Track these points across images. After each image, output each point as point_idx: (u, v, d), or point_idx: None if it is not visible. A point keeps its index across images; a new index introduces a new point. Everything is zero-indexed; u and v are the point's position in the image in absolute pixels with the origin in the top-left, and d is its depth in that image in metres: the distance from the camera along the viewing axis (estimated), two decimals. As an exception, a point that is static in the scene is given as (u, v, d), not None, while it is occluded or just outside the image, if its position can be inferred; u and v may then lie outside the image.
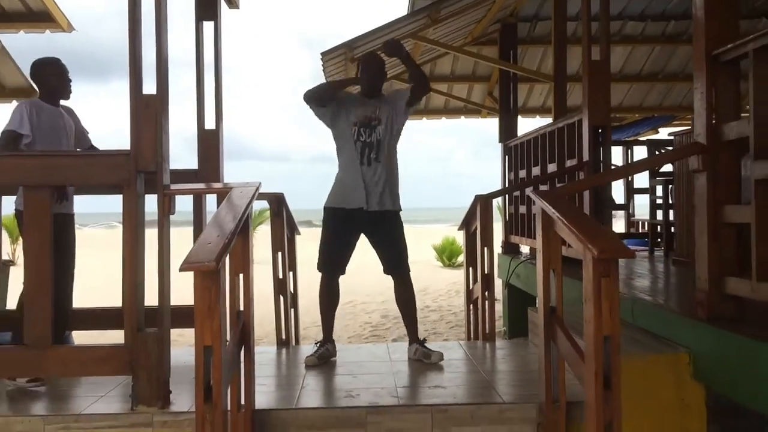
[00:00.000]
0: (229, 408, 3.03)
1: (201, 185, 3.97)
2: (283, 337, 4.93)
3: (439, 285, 11.65)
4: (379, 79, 4.37)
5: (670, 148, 7.89)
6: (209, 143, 4.68)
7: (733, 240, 3.21)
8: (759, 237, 2.94)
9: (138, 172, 3.34)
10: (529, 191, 3.42)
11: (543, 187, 6.17)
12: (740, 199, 3.22)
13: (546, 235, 3.24)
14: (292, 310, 5.43)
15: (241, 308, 3.18)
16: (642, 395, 3.33)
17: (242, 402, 3.14)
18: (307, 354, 4.31)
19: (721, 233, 3.22)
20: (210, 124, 4.75)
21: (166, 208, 3.38)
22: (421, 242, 17.33)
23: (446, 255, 15.10)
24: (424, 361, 4.14)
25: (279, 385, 3.86)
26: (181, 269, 2.43)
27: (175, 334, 5.84)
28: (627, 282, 4.96)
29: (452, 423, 3.33)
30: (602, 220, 4.93)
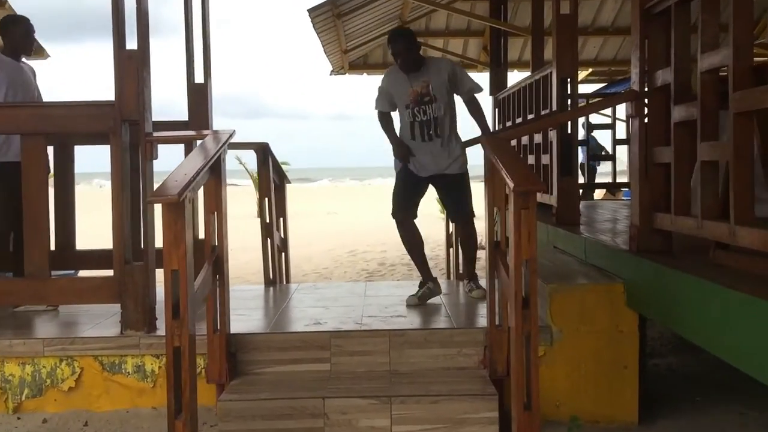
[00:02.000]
0: (205, 332, 3.43)
1: (181, 132, 4.33)
2: (271, 276, 5.32)
3: (440, 236, 11.94)
4: (410, 54, 4.30)
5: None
6: (198, 97, 4.99)
7: (662, 179, 3.51)
8: (677, 175, 3.24)
9: (122, 120, 3.69)
10: (480, 137, 3.73)
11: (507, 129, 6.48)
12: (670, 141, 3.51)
13: (492, 176, 3.56)
14: (283, 253, 5.82)
15: (216, 243, 3.56)
16: (580, 322, 3.68)
17: (218, 325, 3.53)
18: (293, 290, 4.69)
19: (651, 172, 3.52)
20: (199, 77, 5.08)
21: (148, 154, 3.74)
22: (427, 195, 17.65)
23: (450, 208, 15.38)
24: (468, 293, 4.52)
25: (257, 315, 4.26)
26: (148, 201, 2.79)
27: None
28: (591, 226, 5.27)
29: (408, 346, 3.70)
30: (569, 168, 5.21)
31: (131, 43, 3.72)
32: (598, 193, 12.37)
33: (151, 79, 3.78)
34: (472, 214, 4.58)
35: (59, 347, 3.68)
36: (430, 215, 15.78)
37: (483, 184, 3.68)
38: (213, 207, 3.53)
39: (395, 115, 4.53)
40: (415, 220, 4.52)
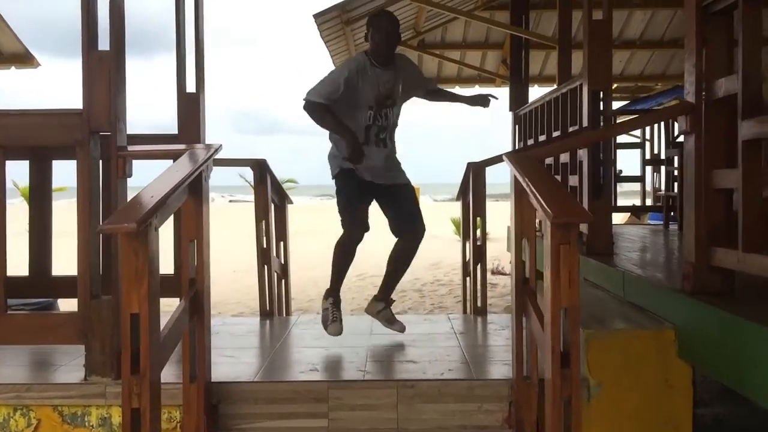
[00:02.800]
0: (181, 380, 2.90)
1: (158, 146, 3.81)
2: (267, 308, 4.79)
3: (454, 259, 11.42)
4: (396, 44, 3.83)
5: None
6: (189, 107, 4.50)
7: (722, 208, 2.96)
8: (746, 203, 2.69)
9: (91, 132, 3.18)
10: (503, 155, 3.20)
11: (536, 148, 5.93)
12: (733, 162, 2.96)
13: (519, 201, 3.02)
14: (283, 281, 5.30)
15: (194, 276, 3.04)
16: (623, 374, 3.11)
17: (196, 372, 3.01)
18: (292, 324, 4.18)
19: (709, 200, 2.97)
20: (191, 87, 4.60)
21: (120, 171, 3.22)
22: (440, 216, 17.10)
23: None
24: (384, 324, 3.98)
25: (247, 356, 3.72)
26: (98, 231, 2.27)
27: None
28: (626, 256, 4.71)
29: (419, 399, 3.15)
30: (600, 190, 4.67)
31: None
32: (621, 217, 11.77)
33: (126, 86, 3.28)
34: (423, 230, 3.97)
35: (12, 395, 3.15)
36: (445, 236, 15.29)
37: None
38: (191, 233, 3.01)
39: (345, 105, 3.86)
40: None
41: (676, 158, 7.14)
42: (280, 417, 3.14)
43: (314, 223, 18.76)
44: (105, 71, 3.17)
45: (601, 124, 4.70)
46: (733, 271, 2.92)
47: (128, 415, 2.36)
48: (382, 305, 4.04)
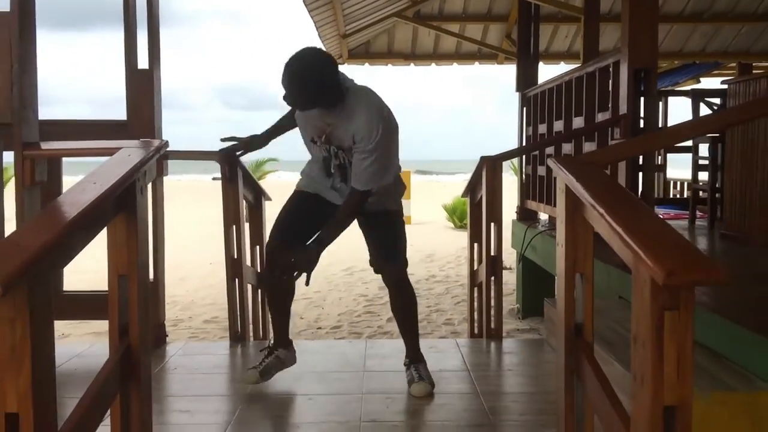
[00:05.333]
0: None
1: (80, 144, 2.93)
2: (238, 330, 3.97)
3: (448, 250, 10.64)
4: (305, 96, 2.77)
5: (717, 100, 6.79)
6: (141, 87, 3.69)
7: None
8: None
9: (-14, 123, 2.34)
10: (549, 160, 2.37)
11: (566, 147, 5.11)
12: None
13: (570, 221, 2.20)
14: (259, 291, 4.47)
15: (127, 322, 2.20)
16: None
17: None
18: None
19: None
20: (143, 62, 3.77)
21: (27, 174, 2.38)
22: (435, 198, 16.26)
23: (457, 215, 13.95)
24: (408, 387, 3.04)
25: (207, 409, 2.89)
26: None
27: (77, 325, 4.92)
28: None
29: (431, 484, 2.36)
30: (643, 194, 3.88)
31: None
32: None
33: (38, 67, 2.44)
34: (404, 266, 3.14)
35: None
36: (438, 224, 14.47)
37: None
38: (123, 267, 2.17)
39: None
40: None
41: (702, 146, 6.35)
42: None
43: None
44: (3, 42, 2.31)
45: (642, 108, 3.90)
46: None
47: None
48: (407, 369, 3.14)
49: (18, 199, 2.35)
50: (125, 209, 2.15)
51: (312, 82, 2.71)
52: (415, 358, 3.13)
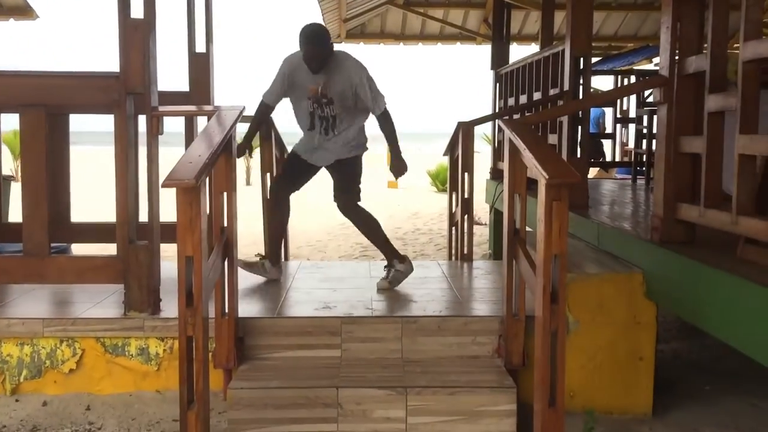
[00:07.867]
0: (212, 315, 3.31)
1: (187, 107, 4.14)
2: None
3: (432, 209, 11.91)
4: (316, 57, 3.98)
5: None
6: (200, 67, 4.82)
7: (688, 169, 3.41)
8: (708, 166, 3.14)
9: (127, 93, 3.51)
10: (499, 121, 3.60)
11: (528, 114, 6.33)
12: (699, 130, 3.40)
13: (512, 161, 3.44)
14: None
15: (225, 224, 3.42)
16: (598, 312, 3.60)
17: (226, 309, 3.41)
18: (295, 269, 4.60)
19: (677, 162, 3.42)
20: (201, 47, 4.89)
21: (155, 129, 3.57)
22: (418, 166, 17.50)
23: (440, 180, 15.27)
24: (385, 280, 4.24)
25: (262, 297, 4.13)
26: (163, 185, 2.64)
27: (168, 249, 6.11)
28: (600, 209, 5.18)
29: (420, 333, 3.60)
30: (580, 149, 5.11)
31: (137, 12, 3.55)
32: (591, 172, 12.27)
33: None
34: (356, 197, 4.26)
35: (59, 328, 3.55)
36: (423, 188, 15.76)
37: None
38: (223, 187, 3.38)
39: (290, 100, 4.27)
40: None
41: (644, 117, 7.58)
42: (298, 348, 3.57)
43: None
44: (140, 38, 3.49)
45: (581, 88, 5.12)
46: (695, 224, 3.39)
47: (184, 342, 2.76)
48: (385, 271, 4.33)
49: (148, 143, 3.56)
50: (226, 149, 3.35)
51: (322, 40, 4.00)
52: (390, 262, 4.32)
